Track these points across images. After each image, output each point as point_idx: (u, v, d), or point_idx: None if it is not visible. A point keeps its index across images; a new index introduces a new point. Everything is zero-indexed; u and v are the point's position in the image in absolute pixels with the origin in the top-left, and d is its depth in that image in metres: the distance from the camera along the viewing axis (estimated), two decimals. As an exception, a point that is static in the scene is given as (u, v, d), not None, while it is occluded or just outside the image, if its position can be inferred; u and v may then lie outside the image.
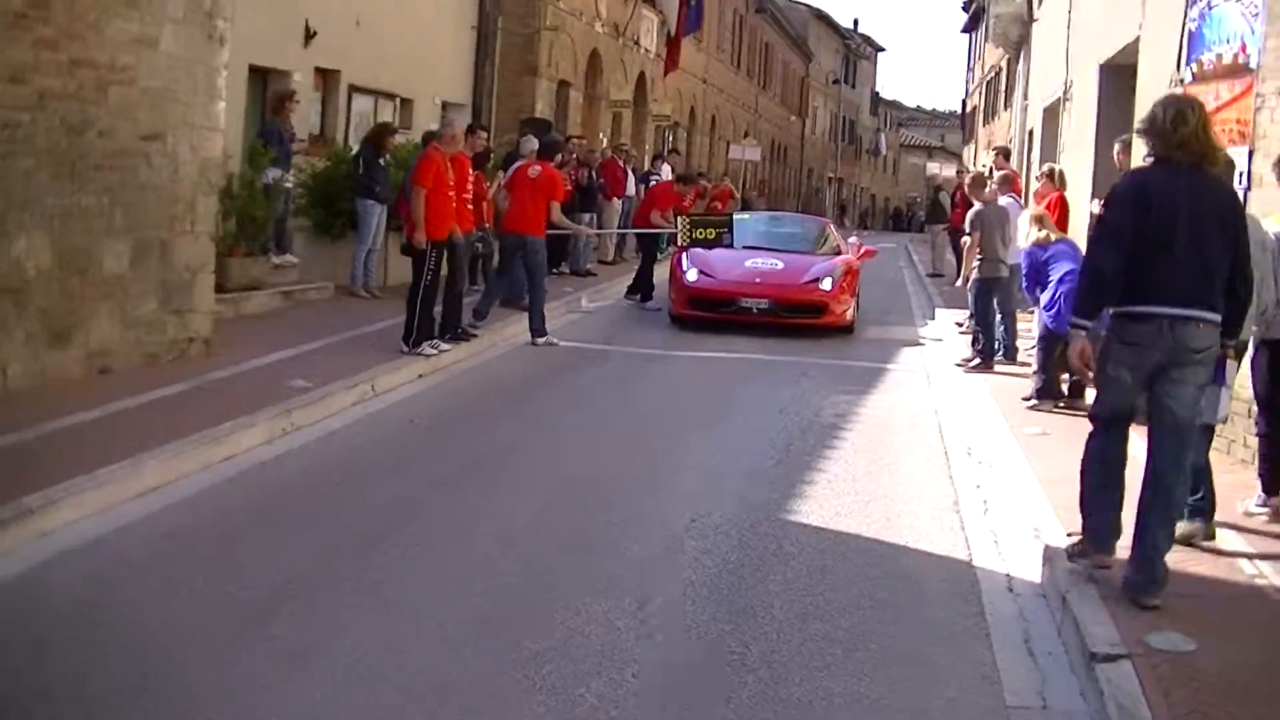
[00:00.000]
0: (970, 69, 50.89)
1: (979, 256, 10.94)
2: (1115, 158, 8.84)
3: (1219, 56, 8.32)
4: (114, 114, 7.79)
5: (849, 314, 13.66)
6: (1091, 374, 5.03)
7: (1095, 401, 5.19)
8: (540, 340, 11.81)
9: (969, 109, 53.57)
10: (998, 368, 11.03)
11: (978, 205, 11.14)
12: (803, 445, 8.08)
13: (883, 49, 77.88)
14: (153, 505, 5.94)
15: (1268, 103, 7.15)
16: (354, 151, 13.34)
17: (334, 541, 5.54)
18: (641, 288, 15.62)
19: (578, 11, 23.98)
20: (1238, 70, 7.86)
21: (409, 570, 5.20)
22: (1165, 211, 4.70)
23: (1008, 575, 5.63)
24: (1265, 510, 6.18)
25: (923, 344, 13.57)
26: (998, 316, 11.20)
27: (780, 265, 13.83)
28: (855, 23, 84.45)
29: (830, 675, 4.30)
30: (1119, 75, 11.54)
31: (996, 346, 11.11)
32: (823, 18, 60.18)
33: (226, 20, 8.64)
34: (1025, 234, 9.50)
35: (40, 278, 7.59)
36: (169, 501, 6.03)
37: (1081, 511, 5.21)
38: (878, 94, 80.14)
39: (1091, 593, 5.00)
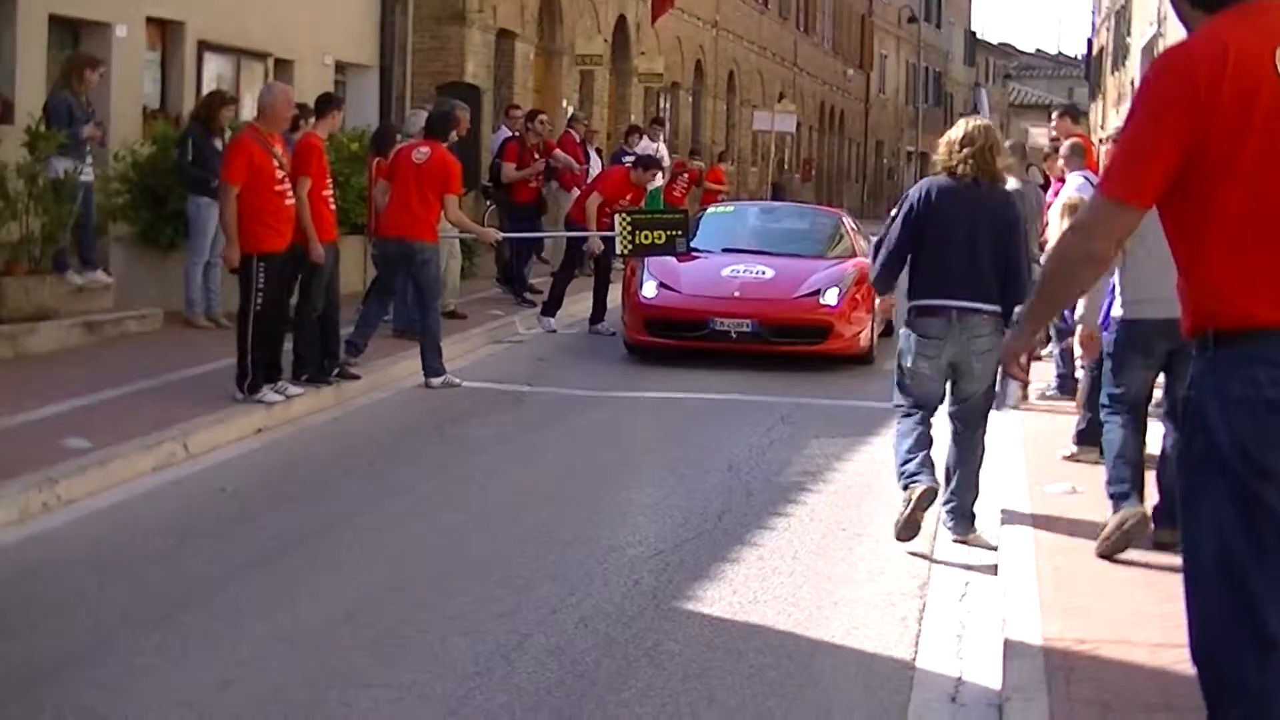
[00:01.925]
0: (1096, -4, 51.40)
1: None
2: None
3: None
4: None
5: (864, 336, 13.91)
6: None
7: (902, 392, 7.84)
8: (436, 381, 12.14)
9: (1094, 51, 53.87)
10: (1043, 402, 11.36)
11: (1010, 184, 11.41)
12: (743, 512, 8.36)
13: (978, -26, 78.58)
14: None
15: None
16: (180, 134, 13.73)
17: (65, 646, 5.83)
18: (593, 306, 15.97)
19: (522, -64, 24.54)
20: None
21: (148, 680, 5.49)
22: (946, 218, 7.55)
23: (958, 679, 5.88)
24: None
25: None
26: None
27: (769, 273, 14.14)
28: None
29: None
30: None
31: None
32: (889, -65, 60.91)
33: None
34: (1058, 228, 9.76)
35: None
36: None
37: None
38: (974, 34, 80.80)
39: (1042, 701, 5.25)
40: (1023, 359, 4.15)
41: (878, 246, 7.94)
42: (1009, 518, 8.06)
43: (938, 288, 7.53)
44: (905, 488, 7.67)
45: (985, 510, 8.23)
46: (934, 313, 7.56)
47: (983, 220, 7.56)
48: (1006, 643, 5.94)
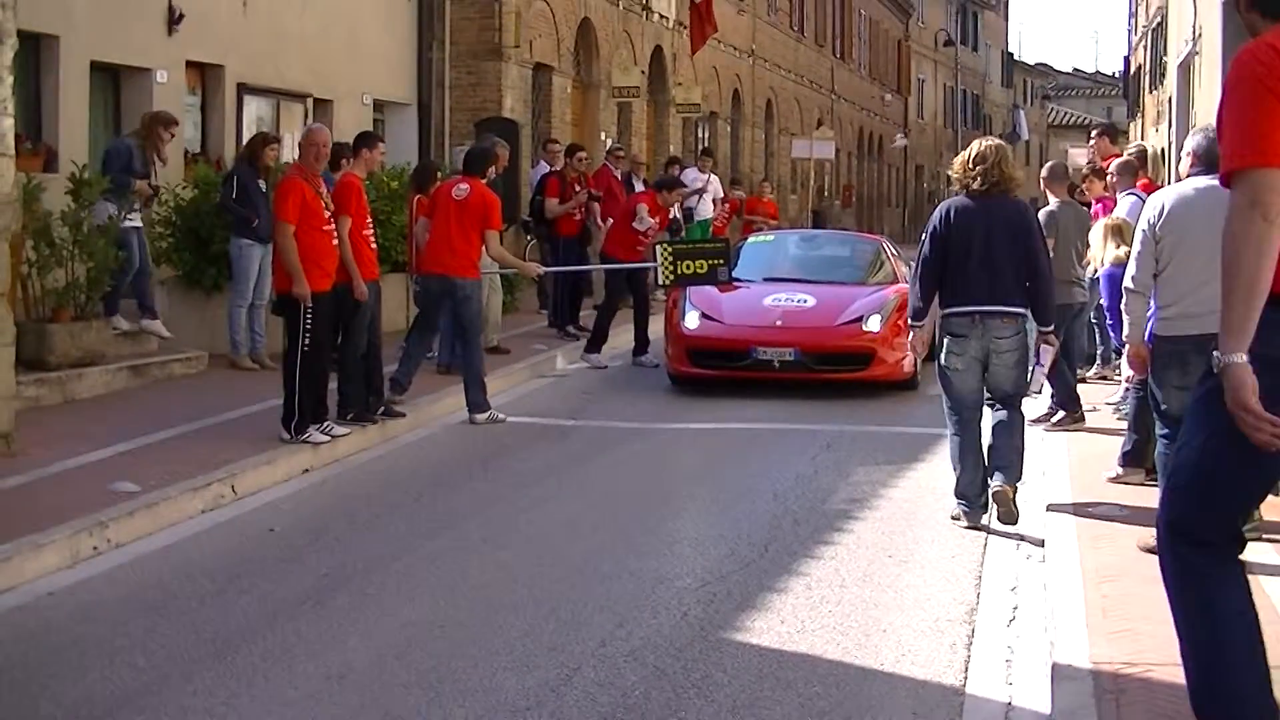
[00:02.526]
0: (1132, 13, 51.21)
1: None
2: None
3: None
4: None
5: (907, 362, 13.91)
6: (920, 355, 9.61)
7: (944, 391, 8.77)
8: (480, 417, 12.21)
9: (1132, 69, 53.67)
10: (1089, 420, 11.40)
11: (1052, 204, 11.46)
12: (789, 541, 8.38)
13: (1014, -5, 78.64)
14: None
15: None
16: (225, 174, 13.90)
17: (116, 688, 5.91)
18: (635, 339, 16.03)
19: (557, -29, 24.72)
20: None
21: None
22: (964, 232, 8.45)
23: (1008, 704, 5.88)
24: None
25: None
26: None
27: (811, 301, 14.18)
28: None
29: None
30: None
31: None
32: (923, -42, 60.96)
33: (6, 8, 9.22)
34: (1100, 250, 9.79)
35: None
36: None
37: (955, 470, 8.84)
38: (1011, 56, 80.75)
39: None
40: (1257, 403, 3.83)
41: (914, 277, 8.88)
42: (1055, 539, 8.06)
43: (961, 295, 8.53)
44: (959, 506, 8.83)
45: (1030, 527, 8.27)
46: (960, 316, 8.54)
47: (998, 230, 8.48)
48: (1055, 666, 5.94)
